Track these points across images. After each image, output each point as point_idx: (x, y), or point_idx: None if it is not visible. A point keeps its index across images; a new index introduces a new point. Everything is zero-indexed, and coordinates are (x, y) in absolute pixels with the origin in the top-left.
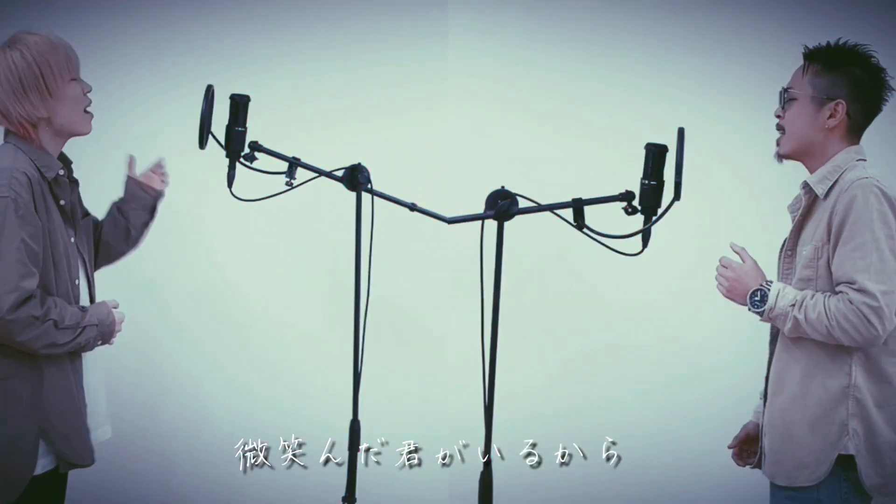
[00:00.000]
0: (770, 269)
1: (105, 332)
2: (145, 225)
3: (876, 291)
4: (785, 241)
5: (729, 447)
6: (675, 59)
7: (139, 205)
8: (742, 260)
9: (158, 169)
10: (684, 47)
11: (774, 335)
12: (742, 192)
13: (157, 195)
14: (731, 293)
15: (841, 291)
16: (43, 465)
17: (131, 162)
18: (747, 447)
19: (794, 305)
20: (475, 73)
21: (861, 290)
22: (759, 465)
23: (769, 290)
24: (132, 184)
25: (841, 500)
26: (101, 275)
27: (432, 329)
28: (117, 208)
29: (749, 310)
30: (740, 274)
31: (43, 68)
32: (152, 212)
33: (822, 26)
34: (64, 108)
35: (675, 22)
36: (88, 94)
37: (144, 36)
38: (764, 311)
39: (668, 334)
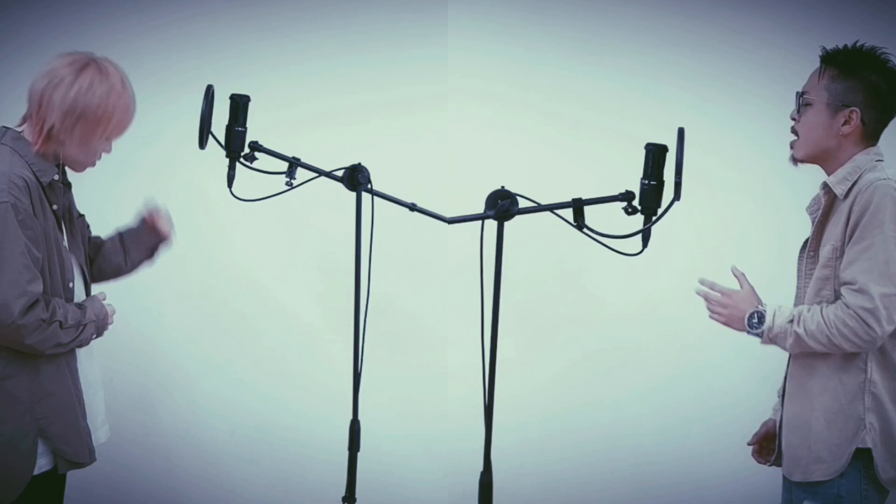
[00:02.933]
0: (770, 272)
1: (100, 326)
2: (141, 262)
3: (875, 293)
4: (806, 241)
5: (749, 444)
6: (675, 59)
7: (143, 243)
8: (740, 286)
9: (163, 217)
10: (684, 47)
11: None
12: (742, 192)
13: (162, 239)
14: (730, 320)
15: (841, 296)
16: (41, 465)
17: (151, 208)
18: (766, 444)
19: (792, 321)
20: (475, 74)
21: (860, 291)
22: (776, 463)
23: (766, 310)
24: (143, 224)
25: (861, 496)
26: None
27: (432, 329)
28: (120, 237)
29: (748, 333)
30: (737, 300)
31: (103, 119)
32: (152, 253)
33: (822, 26)
34: (80, 152)
35: (675, 22)
36: (104, 154)
37: (144, 36)
38: (763, 331)
39: (668, 334)
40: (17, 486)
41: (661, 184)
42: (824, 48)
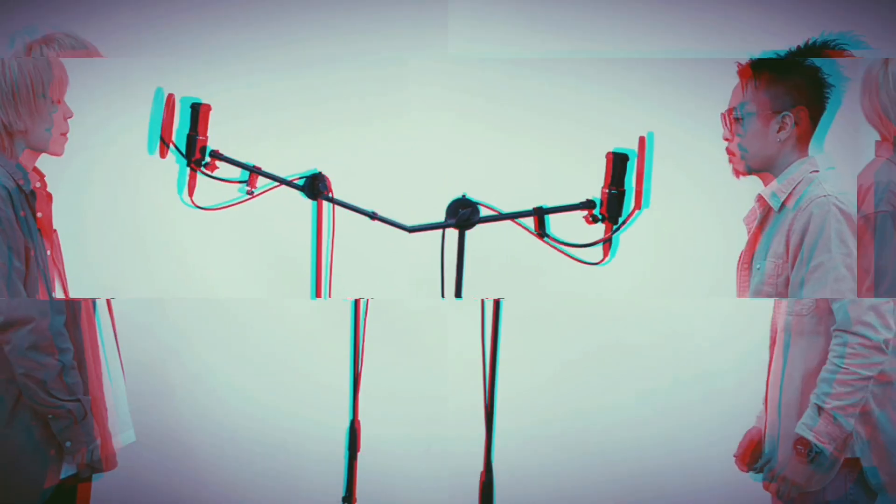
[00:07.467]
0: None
1: (84, 434)
2: None
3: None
4: (741, 254)
5: (735, 455)
6: (638, 67)
7: None
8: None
9: None
10: (647, 55)
11: (773, 340)
12: (739, 192)
13: None
14: (804, 480)
15: (836, 333)
16: (67, 469)
17: None
18: (752, 452)
19: (819, 409)
20: (436, 81)
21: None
22: (762, 471)
23: (807, 439)
24: None
25: (848, 501)
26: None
27: (432, 329)
28: None
29: (819, 456)
30: (789, 473)
31: (33, 82)
32: None
33: (824, 24)
34: (40, 127)
35: (641, 31)
36: (68, 120)
37: (101, 41)
38: (821, 446)
39: (669, 335)
40: (39, 492)
41: (623, 192)
42: (739, 63)
